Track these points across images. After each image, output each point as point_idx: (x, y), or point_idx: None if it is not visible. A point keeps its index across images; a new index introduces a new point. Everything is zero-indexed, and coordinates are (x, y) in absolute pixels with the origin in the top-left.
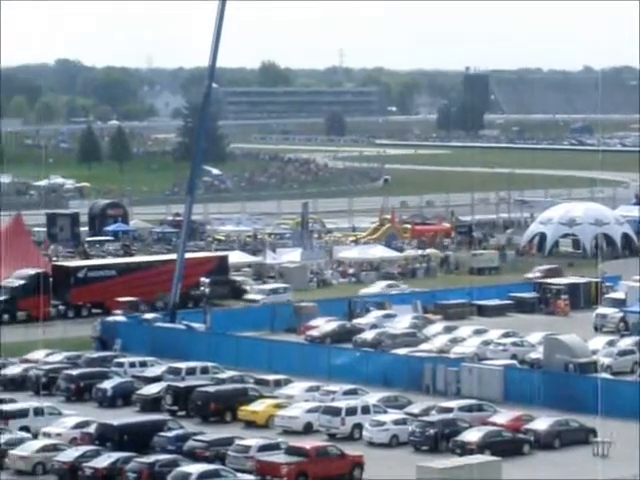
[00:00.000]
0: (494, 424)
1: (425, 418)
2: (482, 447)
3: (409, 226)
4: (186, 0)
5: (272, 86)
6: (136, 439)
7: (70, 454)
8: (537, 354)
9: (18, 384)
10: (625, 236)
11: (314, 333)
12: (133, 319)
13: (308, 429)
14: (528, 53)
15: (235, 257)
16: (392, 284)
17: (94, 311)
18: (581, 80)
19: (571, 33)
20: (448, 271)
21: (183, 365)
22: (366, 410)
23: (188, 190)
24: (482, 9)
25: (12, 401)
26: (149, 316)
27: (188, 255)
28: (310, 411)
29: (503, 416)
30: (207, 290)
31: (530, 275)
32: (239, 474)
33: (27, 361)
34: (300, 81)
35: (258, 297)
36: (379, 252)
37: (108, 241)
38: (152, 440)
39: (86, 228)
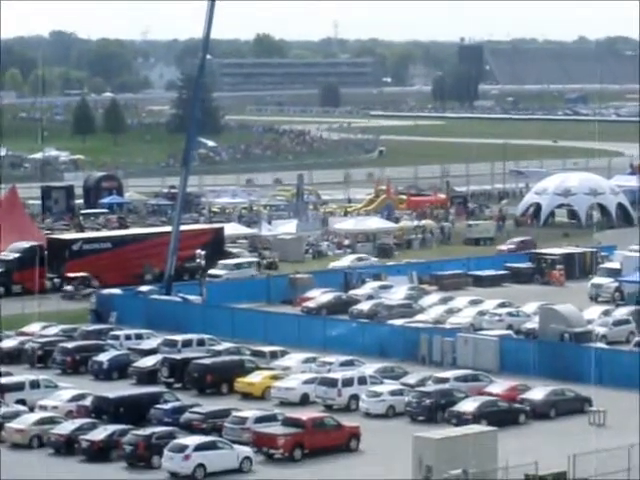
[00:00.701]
0: (490, 394)
1: (421, 388)
2: (478, 417)
3: (405, 197)
4: None
5: (267, 57)
6: (132, 412)
7: (66, 427)
8: (533, 324)
9: (14, 357)
10: (620, 206)
11: (310, 304)
12: (128, 292)
13: (304, 400)
14: (523, 23)
15: (231, 229)
16: (362, 257)
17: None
18: (576, 50)
19: (566, 3)
20: (444, 242)
21: (179, 337)
22: (362, 381)
23: (183, 162)
24: None
25: (8, 374)
26: (145, 288)
27: (183, 227)
28: (306, 382)
29: (499, 386)
30: (202, 262)
31: (503, 247)
32: (236, 446)
33: (23, 334)
34: (294, 52)
35: (221, 272)
36: (375, 223)
37: (103, 214)
38: (148, 412)
39: (81, 201)
